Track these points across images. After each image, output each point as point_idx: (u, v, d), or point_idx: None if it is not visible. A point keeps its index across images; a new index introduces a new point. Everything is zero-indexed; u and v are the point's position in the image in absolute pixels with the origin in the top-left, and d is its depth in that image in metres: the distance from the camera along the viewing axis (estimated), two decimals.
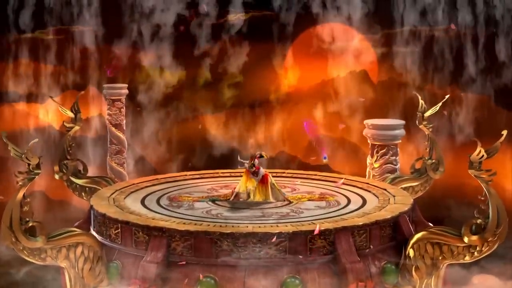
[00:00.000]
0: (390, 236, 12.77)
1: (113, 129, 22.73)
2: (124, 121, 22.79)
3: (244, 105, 24.94)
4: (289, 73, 24.97)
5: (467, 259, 12.48)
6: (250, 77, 24.88)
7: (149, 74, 24.65)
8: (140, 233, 12.19)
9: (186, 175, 16.05)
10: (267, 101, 24.66)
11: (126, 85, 22.98)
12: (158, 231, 12.09)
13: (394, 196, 14.20)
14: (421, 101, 15.41)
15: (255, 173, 14.15)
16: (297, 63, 24.50)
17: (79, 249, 12.58)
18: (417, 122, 15.47)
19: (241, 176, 14.24)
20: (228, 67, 24.21)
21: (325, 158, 12.67)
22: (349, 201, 14.23)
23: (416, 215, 14.14)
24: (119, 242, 12.45)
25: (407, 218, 13.24)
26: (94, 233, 13.37)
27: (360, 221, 12.63)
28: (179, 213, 13.33)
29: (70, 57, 24.37)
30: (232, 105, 24.99)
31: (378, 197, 14.23)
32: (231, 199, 14.12)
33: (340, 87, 24.42)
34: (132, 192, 14.68)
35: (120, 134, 22.78)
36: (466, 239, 12.29)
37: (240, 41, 23.21)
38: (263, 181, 14.13)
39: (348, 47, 24.08)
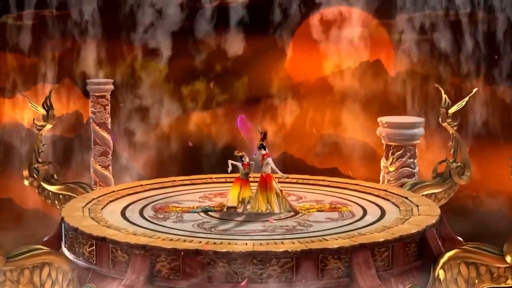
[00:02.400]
0: (416, 254, 11.75)
1: (97, 128, 21.66)
2: (109, 120, 21.74)
3: (241, 100, 23.75)
4: (292, 65, 23.60)
5: (510, 282, 11.31)
6: (247, 70, 23.76)
7: (137, 67, 23.00)
8: (119, 251, 11.24)
9: (174, 180, 14.99)
10: (265, 96, 23.46)
11: (112, 80, 21.50)
12: (140, 249, 11.08)
13: (417, 205, 13.05)
14: (444, 96, 14.48)
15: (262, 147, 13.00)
16: (301, 53, 23.21)
17: (46, 271, 11.38)
18: (440, 119, 14.58)
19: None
20: (226, 59, 22.75)
21: (255, 155, 11.62)
22: (365, 211, 13.02)
23: (444, 228, 12.98)
24: (94, 262, 11.55)
25: (435, 233, 12.07)
26: (65, 250, 12.21)
27: (380, 237, 11.39)
28: (165, 226, 12.17)
29: (43, 46, 22.81)
30: (230, 100, 23.81)
31: (398, 207, 13.07)
32: (224, 210, 12.96)
33: (350, 79, 23.11)
34: (111, 201, 13.57)
35: (105, 134, 21.67)
36: (509, 259, 11.08)
37: (238, 30, 21.75)
38: (266, 187, 12.91)
39: (360, 34, 22.62)
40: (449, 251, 11.45)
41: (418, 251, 11.71)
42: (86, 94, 22.68)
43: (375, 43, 22.45)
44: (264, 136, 12.99)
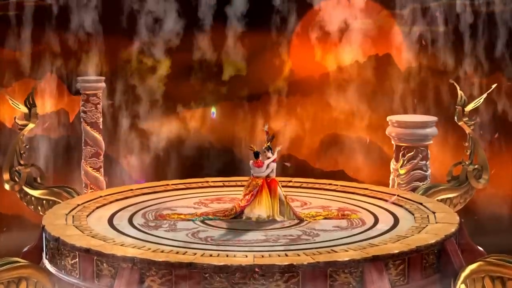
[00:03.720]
0: (435, 267, 11.02)
1: (88, 128, 20.95)
2: (101, 119, 21.12)
3: (243, 97, 23.09)
4: (294, 60, 23.02)
5: None
6: (248, 65, 22.97)
7: (130, 62, 22.40)
8: (104, 264, 10.55)
9: (167, 184, 14.34)
10: (266, 93, 22.79)
11: (103, 78, 20.93)
12: (127, 262, 10.38)
13: (433, 212, 12.38)
14: (460, 92, 13.95)
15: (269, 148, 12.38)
16: (305, 47, 22.47)
17: (23, 286, 10.79)
18: (455, 118, 14.02)
19: (238, 185, 13.33)
20: (226, 54, 22.18)
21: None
22: (376, 219, 12.33)
23: (463, 237, 12.23)
24: (77, 276, 10.90)
25: (455, 243, 11.41)
26: (46, 263, 11.53)
27: (395, 248, 10.68)
28: (156, 236, 11.45)
29: (26, 38, 22.11)
30: (229, 97, 23.16)
31: (413, 214, 12.41)
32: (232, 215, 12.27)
33: (358, 75, 22.35)
34: (98, 208, 12.90)
35: (96, 134, 21.12)
36: None
37: (238, 23, 21.19)
38: (270, 191, 12.22)
39: (367, 26, 21.82)
40: (471, 263, 10.79)
41: (437, 264, 11.04)
42: (72, 90, 22.26)
43: (385, 36, 21.79)
44: (272, 138, 12.41)
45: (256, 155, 12.19)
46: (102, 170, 20.88)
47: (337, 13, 20.49)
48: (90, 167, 20.67)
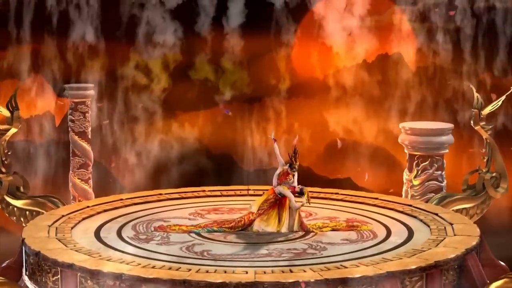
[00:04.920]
0: (455, 284, 10.44)
1: (76, 138, 20.42)
2: (90, 128, 20.67)
3: (241, 100, 22.21)
4: (297, 60, 22.28)
5: None
6: (248, 65, 22.21)
7: (124, 65, 22.02)
8: (89, 281, 9.98)
9: (160, 194, 13.76)
10: (267, 95, 22.28)
11: (92, 85, 20.71)
12: (115, 279, 9.81)
13: (451, 224, 11.83)
14: (476, 95, 13.56)
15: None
16: (308, 46, 22.01)
17: None
18: (471, 122, 13.66)
19: (237, 194, 13.25)
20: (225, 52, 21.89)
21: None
22: (389, 231, 11.75)
23: (484, 251, 11.62)
24: None
25: (477, 258, 10.85)
26: (26, 279, 11.01)
27: (411, 263, 10.07)
28: (147, 250, 10.86)
29: (7, 36, 21.42)
30: (229, 99, 22.25)
31: (429, 226, 11.85)
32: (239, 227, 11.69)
33: (365, 75, 21.66)
34: (84, 219, 12.34)
35: (85, 144, 20.62)
36: None
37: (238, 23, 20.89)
38: (281, 205, 11.61)
39: (377, 23, 21.06)
40: (495, 280, 10.19)
41: (457, 281, 10.45)
42: (58, 92, 21.64)
43: (394, 33, 21.09)
44: (295, 153, 11.69)
45: (301, 192, 11.54)
46: (91, 182, 20.51)
47: (343, 10, 20.18)
48: (78, 178, 20.23)
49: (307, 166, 20.83)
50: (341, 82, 21.22)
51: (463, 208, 13.40)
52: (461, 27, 20.32)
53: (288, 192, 11.45)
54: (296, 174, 11.63)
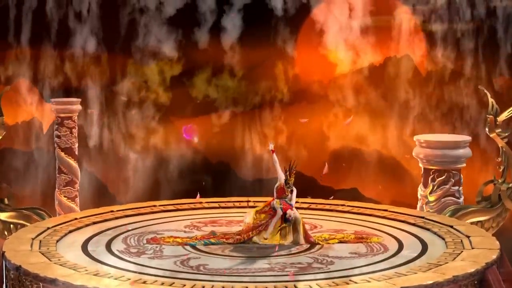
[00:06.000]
0: None
1: (63, 154, 19.82)
2: (77, 144, 20.12)
3: (240, 105, 21.82)
4: (299, 63, 21.76)
5: None
6: (246, 72, 21.75)
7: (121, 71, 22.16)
8: None
9: (154, 206, 13.27)
10: (268, 101, 21.82)
11: (79, 100, 20.54)
12: None
13: (468, 236, 11.30)
14: (491, 100, 13.30)
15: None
16: (311, 48, 21.56)
17: None
18: (486, 129, 13.49)
19: (236, 206, 12.64)
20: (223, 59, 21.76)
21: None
22: (401, 244, 11.20)
23: (503, 265, 11.14)
24: None
25: (498, 272, 10.27)
26: None
27: (427, 278, 9.47)
28: (138, 264, 10.31)
29: None
30: (226, 105, 21.88)
31: (443, 239, 11.33)
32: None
33: (372, 80, 21.33)
34: (71, 232, 11.82)
35: (72, 161, 20.00)
36: None
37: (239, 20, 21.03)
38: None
39: (384, 23, 20.94)
40: None
41: None
42: (45, 97, 21.43)
43: (404, 35, 20.85)
44: (291, 168, 11.14)
45: (286, 220, 10.93)
46: (78, 200, 20.24)
47: (348, 9, 20.15)
48: (65, 196, 19.72)
49: (310, 176, 20.64)
50: (344, 89, 21.02)
51: (477, 221, 13.03)
52: (478, 29, 20.24)
53: (278, 211, 10.88)
54: (294, 191, 11.05)
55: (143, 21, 21.03)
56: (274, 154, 11.25)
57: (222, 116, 21.49)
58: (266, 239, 10.87)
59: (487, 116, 13.30)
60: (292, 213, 10.87)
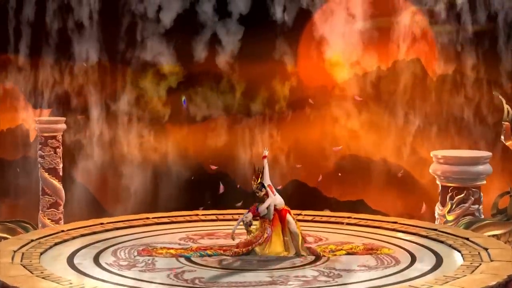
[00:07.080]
0: None
1: (46, 175, 19.57)
2: (61, 165, 19.76)
3: (240, 112, 21.58)
4: (302, 68, 21.45)
5: None
6: (249, 73, 21.44)
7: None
8: None
9: (147, 218, 12.70)
10: (270, 107, 21.47)
11: (64, 119, 20.21)
12: None
13: (485, 248, 10.71)
14: (506, 106, 13.06)
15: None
16: (316, 52, 21.22)
17: None
18: (501, 137, 13.22)
19: (234, 219, 11.76)
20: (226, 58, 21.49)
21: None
22: (413, 257, 10.63)
23: None
24: None
25: None
26: None
27: None
28: (129, 278, 9.71)
29: None
30: (226, 112, 21.69)
31: (460, 251, 10.74)
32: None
33: (380, 85, 20.99)
34: (57, 244, 11.24)
35: (56, 182, 19.68)
36: None
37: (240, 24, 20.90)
38: (283, 222, 10.54)
39: (392, 25, 20.60)
40: None
41: None
42: (32, 103, 21.29)
43: (413, 37, 20.51)
44: (259, 172, 10.64)
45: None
46: (62, 223, 19.61)
47: (356, 9, 19.92)
48: (48, 219, 19.42)
49: (314, 187, 20.38)
50: (353, 92, 20.70)
51: (493, 235, 12.39)
52: (492, 30, 19.97)
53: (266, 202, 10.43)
54: (269, 193, 10.49)
55: (141, 32, 20.94)
56: (265, 160, 10.77)
57: (219, 125, 21.34)
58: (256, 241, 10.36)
59: (503, 123, 12.96)
60: (263, 207, 10.44)
